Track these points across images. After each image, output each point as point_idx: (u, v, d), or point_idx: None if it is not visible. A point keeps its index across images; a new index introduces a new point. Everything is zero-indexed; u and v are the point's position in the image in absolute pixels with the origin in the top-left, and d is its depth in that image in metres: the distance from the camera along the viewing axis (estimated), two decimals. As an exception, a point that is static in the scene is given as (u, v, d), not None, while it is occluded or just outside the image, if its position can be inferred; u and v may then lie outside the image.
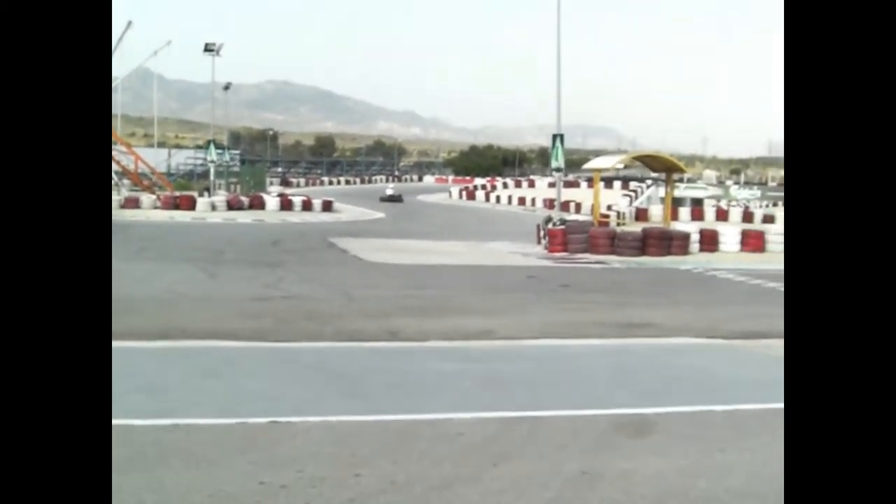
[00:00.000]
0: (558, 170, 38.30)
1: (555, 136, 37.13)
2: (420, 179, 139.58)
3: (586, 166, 44.38)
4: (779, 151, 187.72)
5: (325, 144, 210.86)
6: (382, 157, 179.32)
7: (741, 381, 11.66)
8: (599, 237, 32.89)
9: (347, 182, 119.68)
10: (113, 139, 62.84)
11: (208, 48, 63.57)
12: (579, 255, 31.63)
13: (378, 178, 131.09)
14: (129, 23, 71.38)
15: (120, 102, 77.84)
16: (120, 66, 71.95)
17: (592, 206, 39.93)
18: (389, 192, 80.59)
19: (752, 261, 31.27)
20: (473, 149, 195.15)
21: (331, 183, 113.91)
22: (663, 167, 41.06)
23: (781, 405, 9.65)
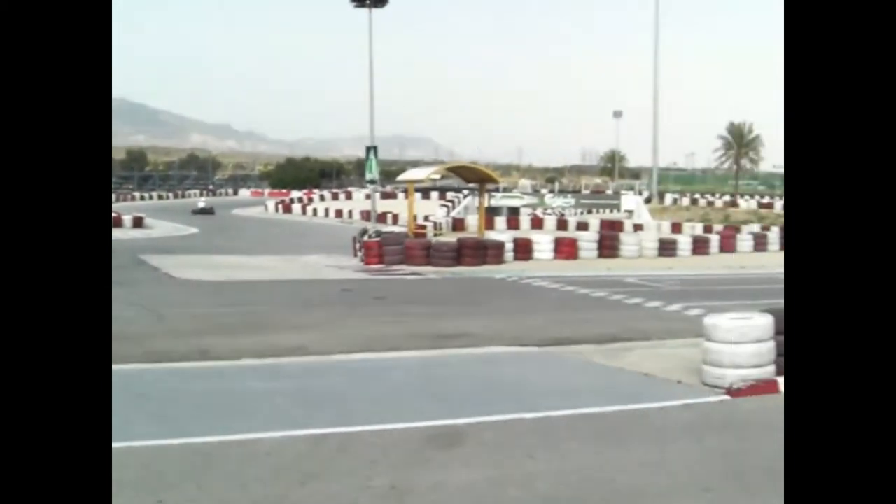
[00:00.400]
0: (372, 182, 38.55)
1: (368, 149, 37.30)
2: (235, 193, 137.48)
3: (400, 178, 44.72)
4: (591, 159, 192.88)
5: (136, 158, 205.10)
6: (197, 170, 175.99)
7: (552, 388, 11.88)
8: (415, 248, 33.05)
9: (160, 197, 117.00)
10: None
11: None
12: (395, 267, 31.70)
13: (192, 192, 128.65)
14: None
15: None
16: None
17: (408, 217, 40.16)
18: (201, 205, 79.58)
19: (566, 268, 31.98)
20: (290, 161, 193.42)
21: (143, 198, 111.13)
22: (477, 178, 41.61)
23: (587, 410, 9.93)
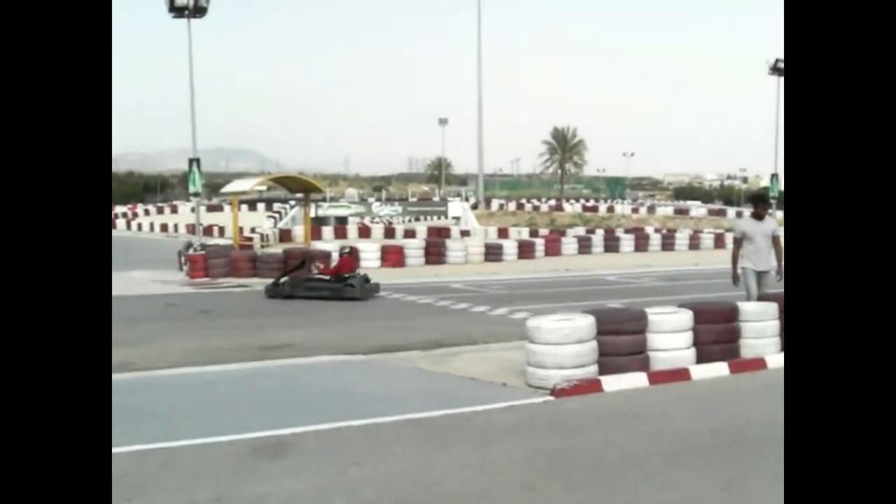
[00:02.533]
0: (196, 195, 37.92)
1: (191, 161, 36.75)
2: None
3: (224, 190, 44.22)
4: (419, 167, 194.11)
5: None
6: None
7: (377, 395, 11.99)
8: (241, 260, 32.75)
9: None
10: None
11: None
12: (221, 280, 31.34)
13: None
14: None
15: None
16: None
17: (233, 229, 39.76)
18: None
19: (393, 275, 32.16)
20: (113, 176, 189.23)
21: None
22: (302, 188, 41.45)
23: (413, 416, 10.08)
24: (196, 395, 12.15)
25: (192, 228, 59.82)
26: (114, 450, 8.79)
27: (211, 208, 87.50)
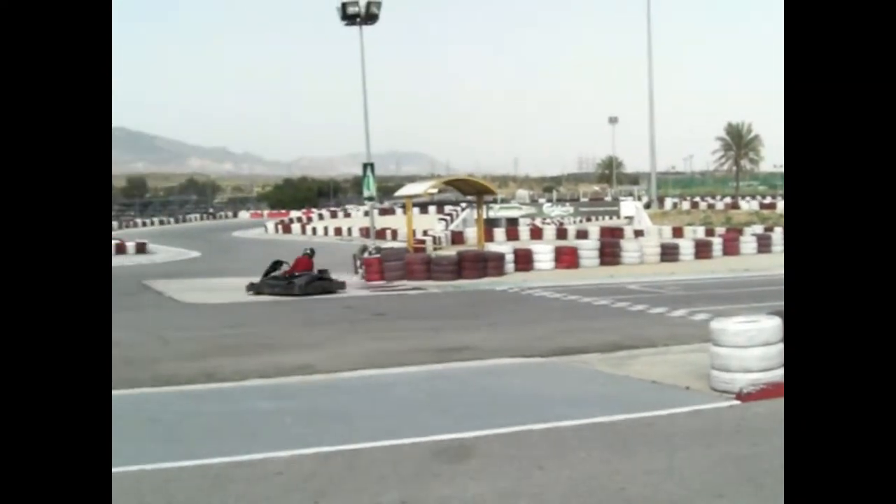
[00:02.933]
0: (370, 199, 38.53)
1: (365, 166, 37.32)
2: (235, 215, 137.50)
3: (397, 193, 44.69)
4: (588, 167, 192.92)
5: (136, 185, 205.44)
6: (196, 195, 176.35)
7: (558, 398, 11.88)
8: (415, 263, 33.02)
9: (162, 222, 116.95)
10: None
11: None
12: (396, 283, 31.67)
13: (192, 216, 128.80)
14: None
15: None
16: None
17: (406, 232, 40.17)
18: None
19: (567, 277, 31.96)
20: (288, 182, 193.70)
21: (144, 224, 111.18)
22: (474, 190, 41.60)
23: (595, 420, 9.92)
24: (377, 398, 12.27)
25: (365, 232, 60.76)
26: (299, 452, 9.03)
27: (383, 211, 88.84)
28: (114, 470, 8.34)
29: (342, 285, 29.77)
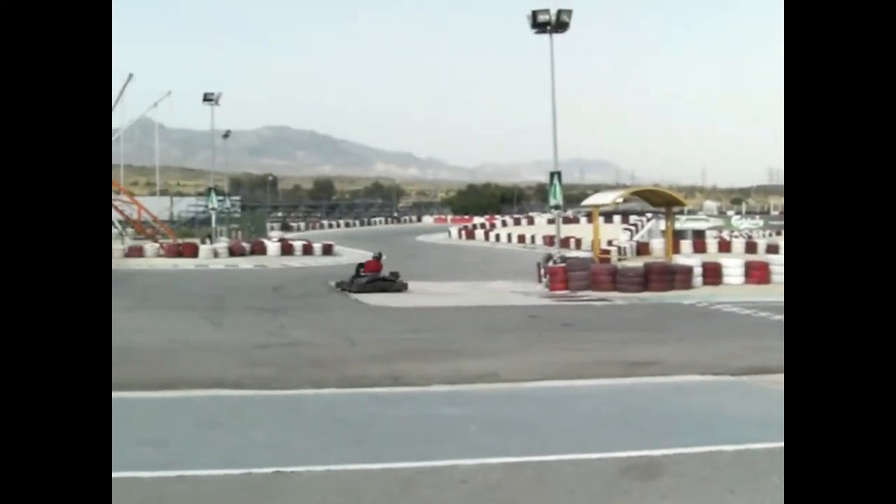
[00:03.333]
0: (556, 207, 38.31)
1: (552, 174, 37.19)
2: (419, 220, 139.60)
3: (585, 203, 44.45)
4: (780, 179, 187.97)
5: (323, 188, 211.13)
6: (381, 198, 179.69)
7: (750, 418, 11.53)
8: (601, 274, 32.79)
9: (347, 224, 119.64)
10: (115, 189, 63.15)
11: (207, 98, 63.68)
12: (581, 293, 31.52)
13: (377, 219, 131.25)
14: (130, 75, 72.28)
15: (122, 153, 78.57)
16: (122, 118, 72.89)
17: (592, 242, 39.90)
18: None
19: (757, 293, 31.16)
20: (471, 187, 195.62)
21: (330, 226, 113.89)
22: (663, 201, 41.06)
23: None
24: (563, 409, 12.17)
25: (549, 240, 60.73)
26: (485, 461, 9.02)
27: (567, 220, 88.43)
28: (299, 468, 8.60)
29: (404, 286, 32.90)
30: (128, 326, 20.35)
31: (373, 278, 32.75)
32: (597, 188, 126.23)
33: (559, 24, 36.81)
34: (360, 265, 33.88)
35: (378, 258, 34.31)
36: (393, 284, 32.58)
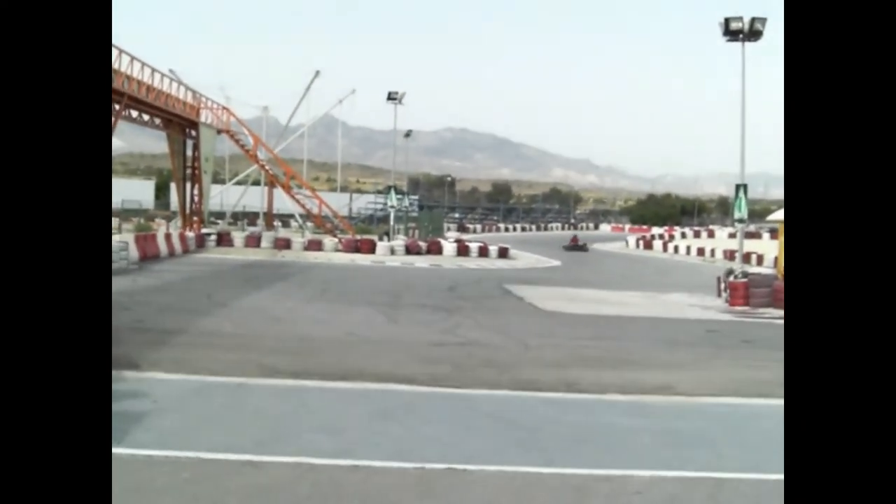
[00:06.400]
0: (741, 221, 37.44)
1: (738, 187, 36.39)
2: (596, 227, 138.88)
3: (771, 217, 43.32)
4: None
5: (501, 191, 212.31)
6: (558, 204, 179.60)
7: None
8: (784, 291, 31.84)
9: (524, 229, 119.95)
10: (298, 183, 64.83)
11: (391, 97, 64.80)
12: (762, 310, 30.66)
13: (554, 225, 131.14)
14: (317, 72, 74.10)
15: (306, 148, 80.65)
16: (307, 114, 74.86)
17: (776, 258, 38.88)
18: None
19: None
20: (651, 197, 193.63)
21: (507, 229, 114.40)
22: (852, 219, 39.65)
23: None
24: (742, 427, 11.88)
25: (730, 254, 59.46)
26: (660, 473, 8.89)
27: (748, 235, 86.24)
28: (476, 467, 8.64)
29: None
30: (307, 317, 20.90)
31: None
32: (781, 204, 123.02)
33: (752, 33, 35.98)
34: None
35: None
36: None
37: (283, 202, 69.30)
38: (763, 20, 35.67)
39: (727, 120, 38.66)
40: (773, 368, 17.63)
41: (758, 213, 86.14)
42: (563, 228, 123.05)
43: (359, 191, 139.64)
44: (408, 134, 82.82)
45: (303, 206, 63.72)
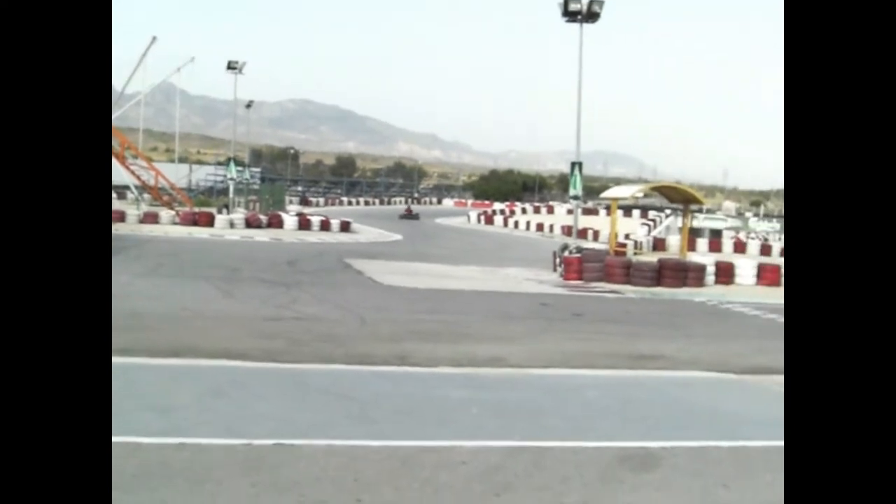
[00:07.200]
0: (575, 198, 38.37)
1: (573, 164, 37.22)
2: (439, 202, 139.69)
3: (604, 195, 44.35)
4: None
5: (345, 164, 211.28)
6: (402, 178, 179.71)
7: (749, 417, 11.62)
8: (615, 266, 32.77)
9: (367, 203, 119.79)
10: (133, 154, 63.31)
11: (231, 66, 63.98)
12: (594, 284, 31.54)
13: (398, 199, 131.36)
14: (154, 38, 72.15)
15: (142, 117, 78.51)
16: (143, 81, 72.83)
17: (609, 234, 39.93)
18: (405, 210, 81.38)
19: (768, 295, 31.09)
20: (493, 173, 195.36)
21: (350, 203, 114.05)
22: (682, 198, 40.96)
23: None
24: (567, 398, 12.26)
25: (567, 230, 60.68)
26: (485, 443, 9.14)
27: (586, 211, 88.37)
28: (304, 442, 8.74)
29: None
30: (139, 293, 20.54)
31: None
32: (619, 181, 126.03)
33: (590, 14, 36.81)
34: None
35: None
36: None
37: (118, 173, 67.71)
38: (601, 2, 36.44)
39: (569, 99, 39.39)
40: (600, 340, 18.29)
41: (596, 190, 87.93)
42: (406, 202, 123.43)
43: (199, 162, 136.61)
44: (249, 104, 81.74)
45: (138, 177, 62.31)
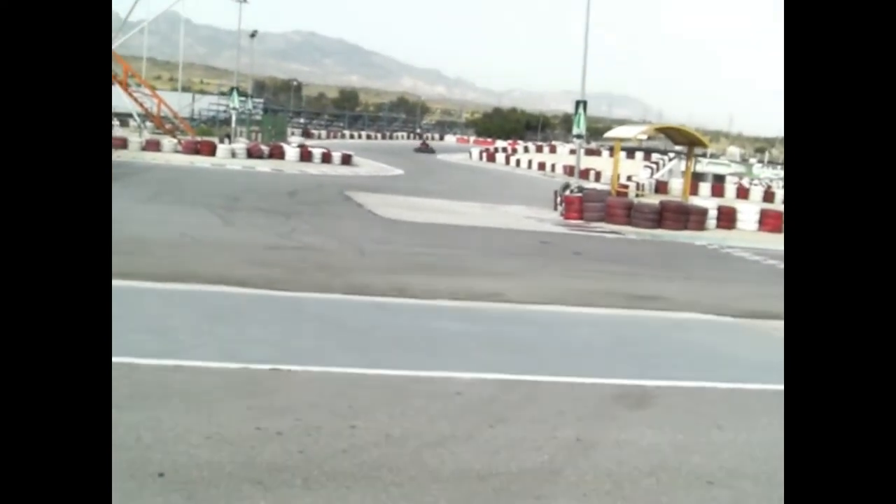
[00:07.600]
0: (579, 136, 38.22)
1: (578, 103, 36.99)
2: (441, 138, 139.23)
3: (608, 135, 44.12)
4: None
5: (348, 98, 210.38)
6: (405, 113, 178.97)
7: (745, 360, 11.64)
8: (616, 207, 32.68)
9: (369, 137, 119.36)
10: (137, 81, 62.97)
11: (236, -6, 63.30)
12: (595, 224, 31.48)
13: (400, 134, 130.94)
14: (159, -35, 71.36)
15: (146, 45, 78.02)
16: (147, 9, 72.16)
17: (612, 175, 39.79)
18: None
19: (769, 241, 31.03)
20: (497, 111, 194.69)
21: (352, 137, 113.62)
22: (686, 140, 40.74)
23: (783, 386, 9.71)
24: (565, 334, 12.30)
25: (569, 170, 60.58)
26: (481, 375, 9.16)
27: (589, 152, 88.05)
28: (296, 368, 8.75)
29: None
30: (140, 218, 20.51)
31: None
32: (623, 123, 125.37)
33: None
34: None
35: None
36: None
37: (120, 100, 67.31)
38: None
39: (575, 39, 39.08)
40: (598, 278, 18.30)
41: (600, 131, 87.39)
42: (408, 138, 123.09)
43: (202, 92, 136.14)
44: (253, 34, 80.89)
45: (141, 105, 62.01)
